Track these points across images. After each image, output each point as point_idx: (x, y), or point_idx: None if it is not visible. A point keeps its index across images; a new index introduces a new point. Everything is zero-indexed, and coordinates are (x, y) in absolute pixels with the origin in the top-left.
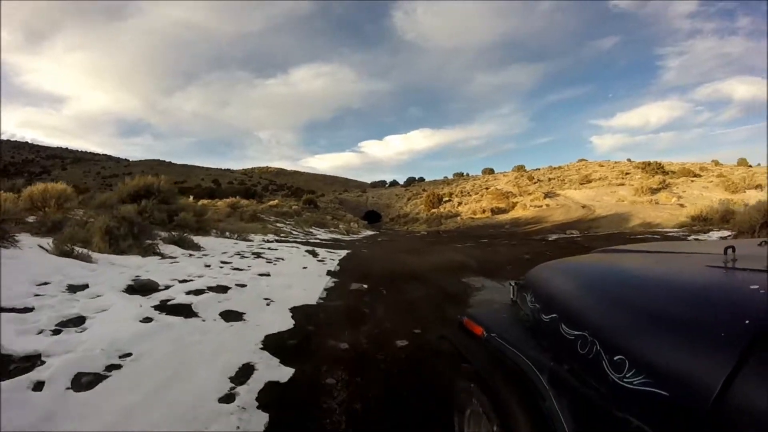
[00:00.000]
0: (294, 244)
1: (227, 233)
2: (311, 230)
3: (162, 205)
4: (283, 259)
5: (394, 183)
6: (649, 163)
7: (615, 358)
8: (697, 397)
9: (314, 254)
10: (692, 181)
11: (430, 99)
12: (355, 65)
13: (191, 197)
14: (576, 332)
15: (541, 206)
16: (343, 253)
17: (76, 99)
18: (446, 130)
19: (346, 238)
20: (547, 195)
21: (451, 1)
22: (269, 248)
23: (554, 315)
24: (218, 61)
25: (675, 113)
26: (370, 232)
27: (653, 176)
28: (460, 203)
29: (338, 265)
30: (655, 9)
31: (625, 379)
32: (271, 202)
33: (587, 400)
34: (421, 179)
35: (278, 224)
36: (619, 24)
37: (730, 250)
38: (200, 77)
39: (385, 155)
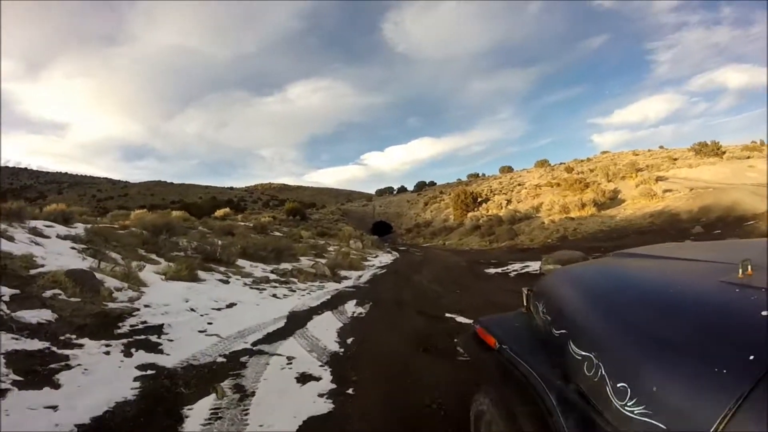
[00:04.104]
0: None
1: None
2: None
3: None
4: None
5: (402, 189)
6: (707, 144)
7: (618, 385)
8: None
9: None
10: None
11: (428, 109)
12: (351, 79)
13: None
14: (583, 353)
15: (670, 192)
16: None
17: (78, 125)
18: (447, 138)
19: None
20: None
21: (438, 4)
22: None
23: (564, 331)
24: (215, 84)
25: (673, 106)
26: (385, 258)
27: (711, 159)
28: (509, 201)
29: None
30: (638, 6)
31: (626, 408)
32: (218, 213)
33: (593, 424)
34: (433, 183)
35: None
36: (605, 22)
37: (747, 262)
38: (198, 99)
39: (389, 166)
